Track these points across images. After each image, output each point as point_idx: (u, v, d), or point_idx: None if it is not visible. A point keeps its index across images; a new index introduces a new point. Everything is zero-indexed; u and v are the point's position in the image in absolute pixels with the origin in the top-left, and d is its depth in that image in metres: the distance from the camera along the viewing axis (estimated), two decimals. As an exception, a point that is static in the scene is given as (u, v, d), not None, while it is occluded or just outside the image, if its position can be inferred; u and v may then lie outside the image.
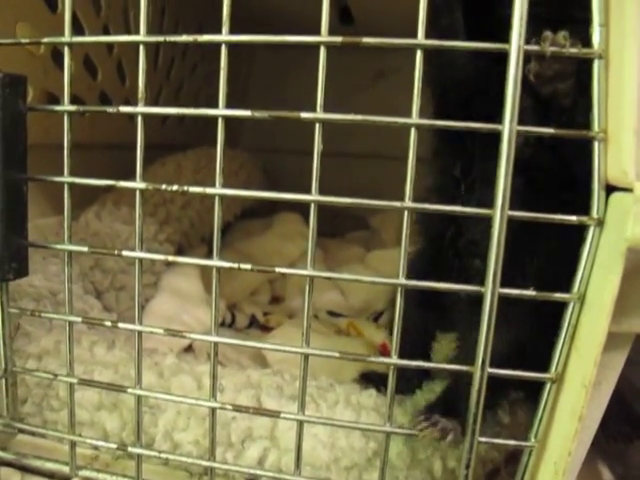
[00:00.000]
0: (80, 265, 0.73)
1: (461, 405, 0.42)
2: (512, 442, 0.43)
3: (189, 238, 0.92)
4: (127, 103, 0.97)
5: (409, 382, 0.57)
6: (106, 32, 0.89)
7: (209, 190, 0.43)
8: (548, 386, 0.41)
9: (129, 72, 0.97)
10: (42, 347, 0.58)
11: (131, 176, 0.93)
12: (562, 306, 0.40)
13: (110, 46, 0.91)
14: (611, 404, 0.48)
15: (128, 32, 0.94)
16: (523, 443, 0.42)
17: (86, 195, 0.87)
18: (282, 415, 0.44)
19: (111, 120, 0.94)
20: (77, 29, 0.81)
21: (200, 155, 1.02)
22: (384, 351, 0.78)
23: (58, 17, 0.76)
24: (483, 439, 0.40)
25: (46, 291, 0.65)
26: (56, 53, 0.78)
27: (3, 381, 0.51)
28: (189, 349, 0.77)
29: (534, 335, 0.47)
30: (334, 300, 0.97)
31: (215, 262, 0.43)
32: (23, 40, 0.47)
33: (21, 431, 0.53)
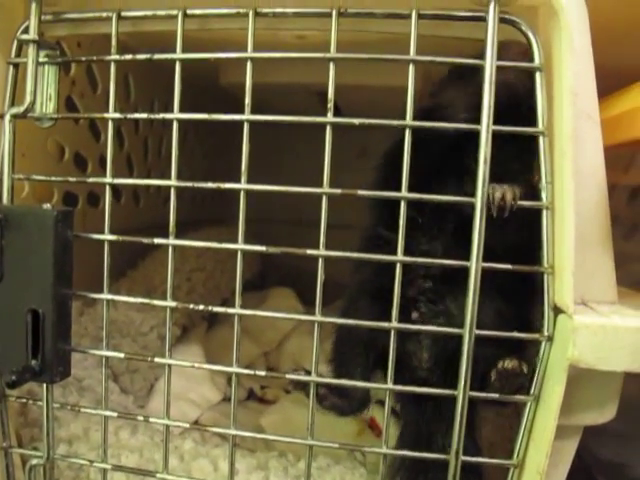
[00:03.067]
0: (100, 353, 0.80)
1: None
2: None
3: (192, 318, 1.00)
4: (135, 194, 1.06)
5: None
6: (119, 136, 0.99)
7: (230, 310, 0.52)
8: (511, 471, 0.49)
9: (136, 164, 1.06)
10: (72, 432, 0.65)
11: (139, 260, 1.01)
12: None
13: (123, 144, 1.00)
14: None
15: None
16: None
17: (100, 280, 0.95)
18: (290, 496, 0.53)
19: (120, 208, 1.02)
20: (95, 132, 0.91)
21: (202, 239, 1.10)
22: (373, 425, 0.86)
23: (80, 127, 0.86)
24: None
25: (71, 378, 0.73)
26: (77, 157, 0.87)
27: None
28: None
29: None
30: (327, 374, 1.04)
31: (234, 369, 0.52)
32: (71, 179, 0.56)
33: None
